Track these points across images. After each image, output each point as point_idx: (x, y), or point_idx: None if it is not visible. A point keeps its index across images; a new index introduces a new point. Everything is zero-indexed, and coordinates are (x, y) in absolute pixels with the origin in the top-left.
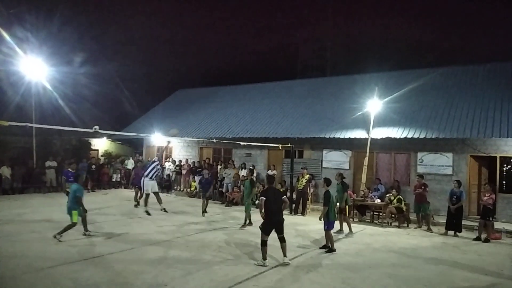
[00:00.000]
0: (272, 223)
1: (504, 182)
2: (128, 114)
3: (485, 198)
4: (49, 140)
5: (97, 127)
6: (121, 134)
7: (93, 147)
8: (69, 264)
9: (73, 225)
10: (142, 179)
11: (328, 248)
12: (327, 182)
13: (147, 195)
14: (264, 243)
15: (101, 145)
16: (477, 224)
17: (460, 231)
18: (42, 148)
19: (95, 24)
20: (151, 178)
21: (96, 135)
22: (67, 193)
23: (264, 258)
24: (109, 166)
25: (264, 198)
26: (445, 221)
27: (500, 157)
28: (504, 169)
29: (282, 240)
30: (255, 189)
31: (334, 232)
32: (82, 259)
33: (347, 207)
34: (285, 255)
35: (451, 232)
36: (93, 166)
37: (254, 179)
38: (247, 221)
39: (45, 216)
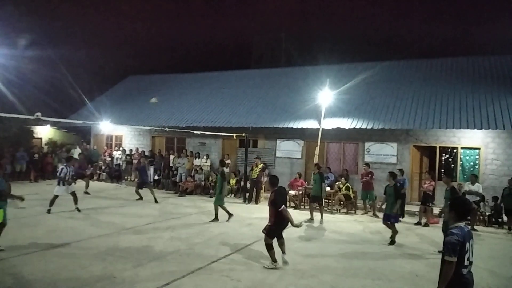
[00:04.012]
0: (283, 227)
1: (442, 170)
2: (75, 100)
3: (426, 185)
4: None
5: (39, 113)
6: (66, 122)
7: (36, 135)
8: (7, 259)
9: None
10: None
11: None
12: None
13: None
14: (270, 247)
15: (44, 133)
16: (418, 209)
17: (402, 217)
18: None
19: (41, 4)
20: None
21: (38, 122)
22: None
23: (274, 261)
24: (53, 155)
25: (283, 206)
26: None
27: (440, 147)
28: (443, 158)
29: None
30: (225, 182)
31: (305, 221)
32: (23, 254)
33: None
34: (283, 252)
35: None
36: (36, 155)
37: (225, 171)
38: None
39: None
